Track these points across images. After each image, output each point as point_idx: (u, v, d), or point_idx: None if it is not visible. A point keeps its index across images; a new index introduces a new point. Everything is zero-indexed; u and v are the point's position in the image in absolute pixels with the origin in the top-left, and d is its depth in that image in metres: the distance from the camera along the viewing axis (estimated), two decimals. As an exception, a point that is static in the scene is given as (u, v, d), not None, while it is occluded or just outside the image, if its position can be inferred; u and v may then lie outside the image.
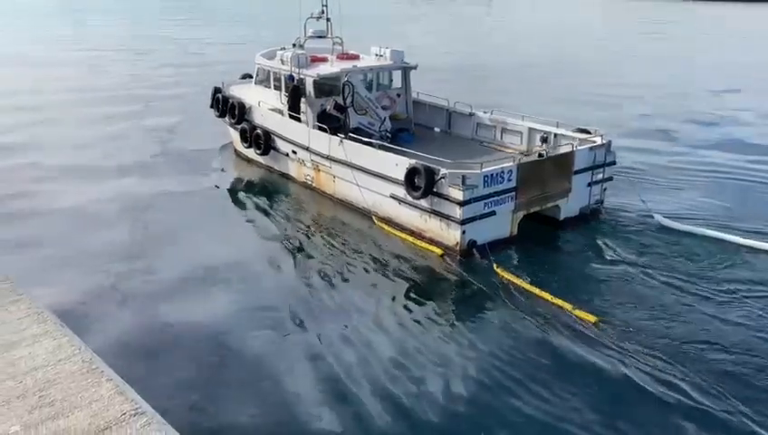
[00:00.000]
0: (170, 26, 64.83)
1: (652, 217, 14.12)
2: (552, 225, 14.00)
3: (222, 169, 18.55)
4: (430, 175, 12.37)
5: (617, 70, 39.18)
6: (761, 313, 10.32)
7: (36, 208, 14.99)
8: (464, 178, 12.12)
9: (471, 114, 17.15)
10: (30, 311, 4.81)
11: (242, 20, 71.31)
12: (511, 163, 12.94)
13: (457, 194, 12.12)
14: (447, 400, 8.23)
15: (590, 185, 14.27)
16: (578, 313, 10.17)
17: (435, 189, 12.44)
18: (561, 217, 14.06)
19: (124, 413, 3.69)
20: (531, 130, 15.59)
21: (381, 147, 14.14)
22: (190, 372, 8.67)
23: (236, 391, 8.30)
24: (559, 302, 10.47)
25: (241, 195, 16.71)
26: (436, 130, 17.82)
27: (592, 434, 7.61)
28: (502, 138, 16.25)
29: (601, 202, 14.76)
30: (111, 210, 14.83)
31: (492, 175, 12.37)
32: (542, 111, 17.57)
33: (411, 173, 12.72)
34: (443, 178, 12.30)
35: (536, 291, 10.88)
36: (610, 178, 14.70)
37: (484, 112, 16.87)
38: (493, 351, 9.27)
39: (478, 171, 12.27)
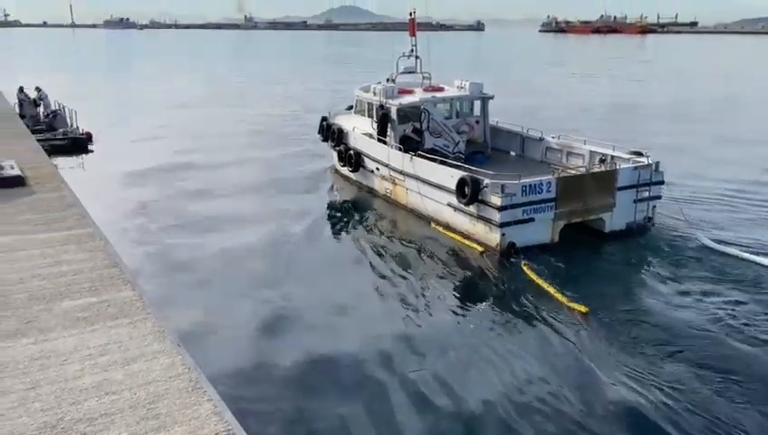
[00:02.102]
0: (327, 70, 69.45)
1: (698, 236, 14.79)
2: (598, 236, 15.37)
3: (326, 186, 21.67)
4: (476, 184, 14.44)
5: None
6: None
7: (176, 219, 17.74)
8: (503, 186, 14.04)
9: (541, 139, 18.89)
10: (154, 329, 5.23)
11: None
12: (550, 176, 14.65)
13: (497, 200, 14.03)
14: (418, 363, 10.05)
15: (635, 202, 15.43)
16: (572, 305, 11.58)
17: (480, 197, 14.43)
18: (607, 229, 15.44)
19: (217, 433, 3.88)
20: (591, 152, 17.12)
21: (442, 162, 16.25)
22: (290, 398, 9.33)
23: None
24: (572, 303, 11.62)
25: (337, 209, 19.62)
26: (512, 153, 19.77)
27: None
28: (567, 160, 17.77)
29: (650, 219, 15.77)
30: (247, 227, 17.23)
31: (530, 185, 14.15)
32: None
33: (461, 183, 14.81)
34: (486, 186, 14.31)
35: (549, 289, 12.26)
36: (659, 197, 15.87)
37: (552, 137, 18.63)
38: (486, 339, 10.91)
39: (517, 181, 14.13)
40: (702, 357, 9.93)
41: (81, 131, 28.00)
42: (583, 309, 11.35)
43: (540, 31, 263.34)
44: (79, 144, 27.23)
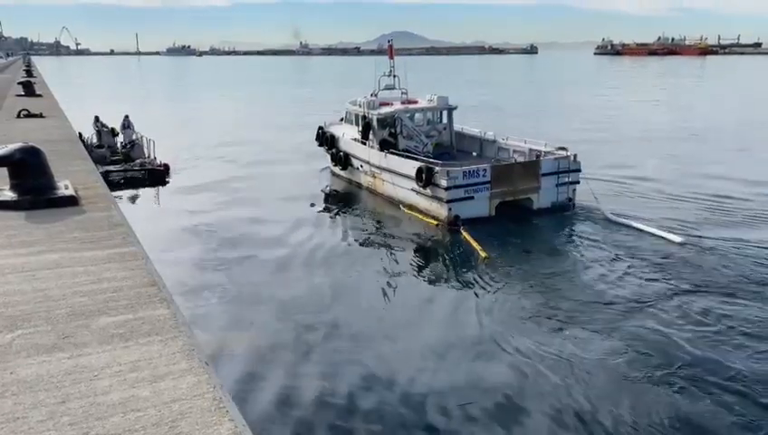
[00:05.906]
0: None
1: (605, 213, 18.23)
2: (528, 213, 18.87)
3: (321, 183, 24.83)
4: (429, 171, 18.11)
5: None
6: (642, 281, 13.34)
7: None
8: (448, 172, 17.72)
9: (494, 141, 22.49)
10: (184, 347, 5.23)
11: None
12: (486, 165, 18.41)
13: (444, 182, 17.64)
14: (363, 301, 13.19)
15: (557, 186, 18.89)
16: (482, 253, 15.34)
17: (433, 181, 18.01)
18: (535, 207, 18.92)
19: (235, 454, 3.83)
20: (530, 149, 20.56)
21: (408, 157, 20.08)
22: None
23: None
24: (482, 252, 15.40)
25: (330, 200, 22.86)
26: (474, 154, 22.61)
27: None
28: (512, 155, 21.18)
29: (571, 199, 19.17)
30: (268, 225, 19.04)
31: (469, 171, 17.87)
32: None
33: (419, 171, 18.41)
34: (437, 173, 17.89)
35: (474, 245, 15.93)
36: (577, 182, 19.19)
37: (502, 139, 22.27)
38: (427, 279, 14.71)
39: (459, 168, 17.94)
40: (564, 287, 13.01)
41: (158, 163, 25.82)
42: (484, 254, 15.12)
43: (595, 53, 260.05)
44: (156, 176, 25.00)
